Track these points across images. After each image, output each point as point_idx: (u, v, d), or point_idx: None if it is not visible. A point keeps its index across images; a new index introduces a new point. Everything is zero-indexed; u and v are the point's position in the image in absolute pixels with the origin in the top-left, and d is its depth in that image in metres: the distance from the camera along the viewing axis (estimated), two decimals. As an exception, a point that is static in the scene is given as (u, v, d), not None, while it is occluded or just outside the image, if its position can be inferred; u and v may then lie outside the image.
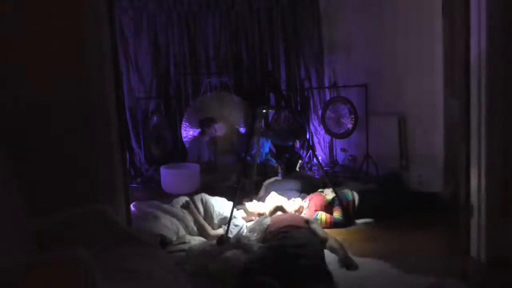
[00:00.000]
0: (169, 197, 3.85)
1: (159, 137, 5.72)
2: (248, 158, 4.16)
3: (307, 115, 6.08)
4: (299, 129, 5.85)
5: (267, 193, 3.71)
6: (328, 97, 5.89)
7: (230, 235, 2.99)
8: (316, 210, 3.38)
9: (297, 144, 5.38)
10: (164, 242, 2.78)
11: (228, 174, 4.94)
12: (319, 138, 6.00)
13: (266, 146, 5.40)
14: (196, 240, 2.96)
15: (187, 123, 5.79)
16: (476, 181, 2.48)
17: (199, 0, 5.87)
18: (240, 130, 5.95)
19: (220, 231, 3.13)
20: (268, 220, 2.99)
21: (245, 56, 6.13)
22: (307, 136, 5.99)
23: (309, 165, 5.61)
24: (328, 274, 2.29)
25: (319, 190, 3.81)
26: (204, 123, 5.28)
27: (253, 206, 3.47)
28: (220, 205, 3.33)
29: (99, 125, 2.15)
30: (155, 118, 5.66)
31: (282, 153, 5.52)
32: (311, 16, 5.95)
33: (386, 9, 4.61)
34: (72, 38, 2.08)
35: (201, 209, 3.26)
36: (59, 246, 1.56)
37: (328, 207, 3.46)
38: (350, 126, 5.09)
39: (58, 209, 1.79)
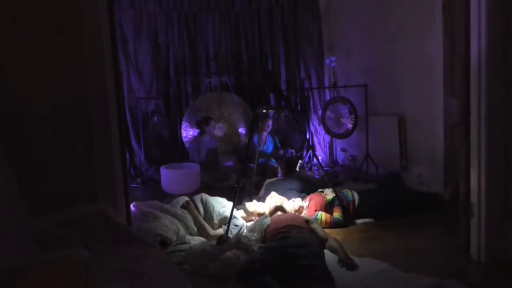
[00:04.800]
0: (169, 197, 3.86)
1: (159, 137, 5.72)
2: (252, 165, 4.18)
3: (307, 115, 6.08)
4: (292, 139, 5.88)
5: (267, 193, 3.71)
6: (328, 97, 5.89)
7: (230, 235, 2.99)
8: (316, 210, 3.38)
9: (290, 152, 5.38)
10: (164, 242, 2.78)
11: (228, 174, 4.94)
12: (319, 138, 6.00)
13: (270, 147, 5.40)
14: (196, 240, 2.96)
15: (187, 123, 5.79)
16: (476, 181, 2.48)
17: (199, 0, 5.87)
18: (240, 131, 5.95)
19: (220, 231, 3.14)
20: (268, 220, 2.99)
21: (245, 56, 6.13)
22: (307, 136, 5.99)
23: (309, 165, 5.61)
24: (328, 274, 2.29)
25: (319, 190, 3.81)
26: (202, 122, 5.28)
27: (253, 206, 3.47)
28: (220, 205, 3.33)
29: (99, 125, 2.15)
30: (155, 118, 5.66)
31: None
32: (311, 16, 5.95)
33: (386, 9, 4.61)
34: (72, 38, 2.08)
35: (201, 209, 3.26)
36: (59, 246, 1.56)
37: (328, 207, 3.46)
38: (350, 126, 5.09)
39: (58, 209, 1.79)
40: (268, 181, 4.39)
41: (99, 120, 2.15)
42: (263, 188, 4.18)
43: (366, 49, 5.10)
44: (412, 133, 4.42)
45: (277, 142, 5.51)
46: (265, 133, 5.27)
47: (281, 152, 5.42)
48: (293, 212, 3.36)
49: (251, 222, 3.23)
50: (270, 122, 5.27)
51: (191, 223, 3.10)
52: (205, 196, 3.39)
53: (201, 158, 5.14)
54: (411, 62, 4.27)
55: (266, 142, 5.32)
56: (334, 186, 3.62)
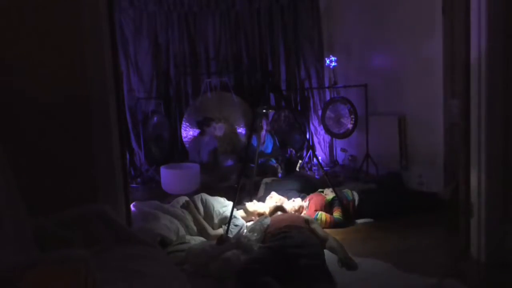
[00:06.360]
0: (169, 197, 3.85)
1: (159, 137, 5.72)
2: (252, 165, 4.19)
3: (307, 115, 6.08)
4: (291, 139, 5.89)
5: (267, 193, 3.71)
6: (328, 97, 5.89)
7: (230, 235, 2.99)
8: (316, 210, 3.38)
9: (290, 151, 5.39)
10: (164, 242, 2.78)
11: (228, 174, 4.95)
12: (319, 138, 6.00)
13: (269, 146, 5.40)
14: (196, 240, 2.96)
15: (187, 123, 5.79)
16: (476, 181, 2.48)
17: (199, 0, 5.87)
18: (240, 131, 5.95)
19: (220, 231, 3.13)
20: (268, 220, 2.99)
21: (245, 56, 6.13)
22: (307, 136, 5.99)
23: (309, 165, 5.61)
24: (328, 274, 2.29)
25: (319, 190, 3.81)
26: (203, 123, 5.27)
27: (253, 206, 3.47)
28: (220, 205, 3.33)
29: (99, 125, 2.15)
30: (155, 118, 5.66)
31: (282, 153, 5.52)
32: (311, 16, 5.95)
33: (386, 9, 4.61)
34: (72, 38, 2.08)
35: (201, 209, 3.26)
36: (59, 246, 1.56)
37: (328, 207, 3.46)
38: (350, 126, 5.09)
39: (58, 209, 1.79)
40: (265, 180, 4.38)
41: (99, 120, 2.15)
42: (262, 188, 4.18)
43: (366, 49, 5.10)
44: (412, 133, 4.42)
45: (277, 141, 5.51)
46: (263, 132, 5.26)
47: (280, 152, 5.41)
48: (293, 212, 3.36)
49: (251, 222, 3.23)
50: (264, 122, 5.23)
51: (191, 223, 3.10)
52: (205, 196, 3.39)
53: (201, 158, 5.14)
54: (411, 62, 4.27)
55: (264, 142, 5.32)
56: (334, 186, 3.62)
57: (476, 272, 2.46)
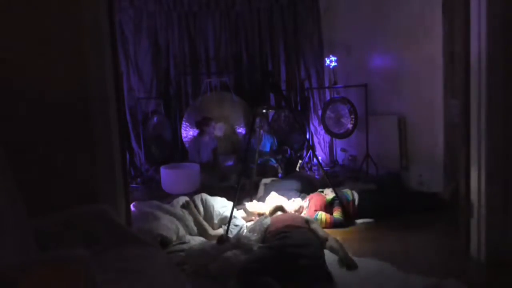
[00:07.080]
0: (169, 197, 3.86)
1: (159, 137, 5.72)
2: (252, 165, 4.18)
3: (307, 115, 6.08)
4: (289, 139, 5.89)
5: (267, 193, 3.71)
6: (328, 97, 5.89)
7: (230, 235, 2.99)
8: (316, 210, 3.38)
9: (289, 152, 5.39)
10: (164, 242, 2.78)
11: (228, 174, 4.94)
12: (319, 138, 6.00)
13: (268, 145, 5.39)
14: (196, 240, 2.96)
15: (187, 123, 5.79)
16: (476, 181, 2.48)
17: (199, 0, 5.87)
18: (240, 131, 5.95)
19: (220, 231, 3.14)
20: (268, 220, 2.99)
21: (245, 56, 6.13)
22: (307, 136, 5.99)
23: (309, 165, 5.61)
24: (328, 274, 2.30)
25: (319, 190, 3.81)
26: (202, 123, 5.27)
27: (253, 206, 3.47)
28: (220, 205, 3.33)
29: (99, 125, 2.15)
30: (155, 118, 5.66)
31: (282, 153, 5.52)
32: (311, 16, 5.95)
33: (386, 9, 4.61)
34: (72, 38, 2.08)
35: (201, 209, 3.26)
36: (59, 246, 1.57)
37: (328, 207, 3.46)
38: (350, 126, 5.09)
39: (58, 209, 1.79)
40: (264, 180, 4.38)
41: (99, 120, 2.15)
42: (261, 188, 4.18)
43: (366, 49, 5.10)
44: (412, 133, 4.42)
45: (275, 141, 5.50)
46: (261, 131, 5.24)
47: (278, 151, 5.40)
48: (293, 212, 3.36)
49: (251, 222, 3.23)
50: (262, 122, 5.20)
51: (191, 223, 3.10)
52: (205, 196, 3.39)
53: (201, 158, 5.14)
54: (411, 62, 4.27)
55: (262, 140, 5.30)
56: (334, 186, 3.62)
57: (476, 272, 2.46)
